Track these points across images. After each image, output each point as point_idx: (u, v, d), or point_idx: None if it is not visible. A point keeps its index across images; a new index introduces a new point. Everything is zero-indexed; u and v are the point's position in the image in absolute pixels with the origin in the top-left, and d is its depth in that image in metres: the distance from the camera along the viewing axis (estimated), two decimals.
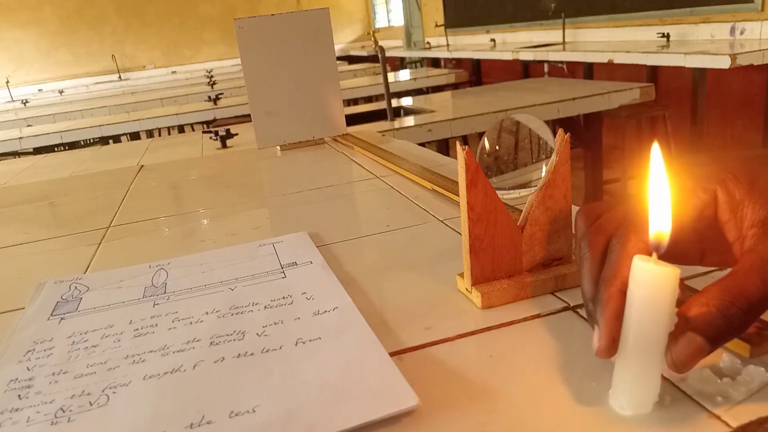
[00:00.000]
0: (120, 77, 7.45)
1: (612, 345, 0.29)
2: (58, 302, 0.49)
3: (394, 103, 2.15)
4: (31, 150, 2.52)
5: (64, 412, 0.33)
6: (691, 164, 0.32)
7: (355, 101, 3.10)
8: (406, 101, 2.34)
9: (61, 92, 5.72)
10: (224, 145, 1.41)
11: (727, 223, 0.31)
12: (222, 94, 3.25)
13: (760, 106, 2.77)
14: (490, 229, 0.40)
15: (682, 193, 0.30)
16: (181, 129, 2.99)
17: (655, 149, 0.28)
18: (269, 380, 0.34)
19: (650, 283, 0.27)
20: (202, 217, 0.75)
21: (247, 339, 0.39)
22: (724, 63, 2.21)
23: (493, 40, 4.96)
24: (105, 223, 0.76)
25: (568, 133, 0.40)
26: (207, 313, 0.44)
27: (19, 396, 0.35)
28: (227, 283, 0.49)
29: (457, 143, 0.41)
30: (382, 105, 2.09)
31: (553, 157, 0.41)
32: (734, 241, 0.31)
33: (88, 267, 0.60)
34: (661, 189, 0.28)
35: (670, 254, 0.28)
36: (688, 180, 0.31)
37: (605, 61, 2.94)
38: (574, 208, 0.47)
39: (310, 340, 0.38)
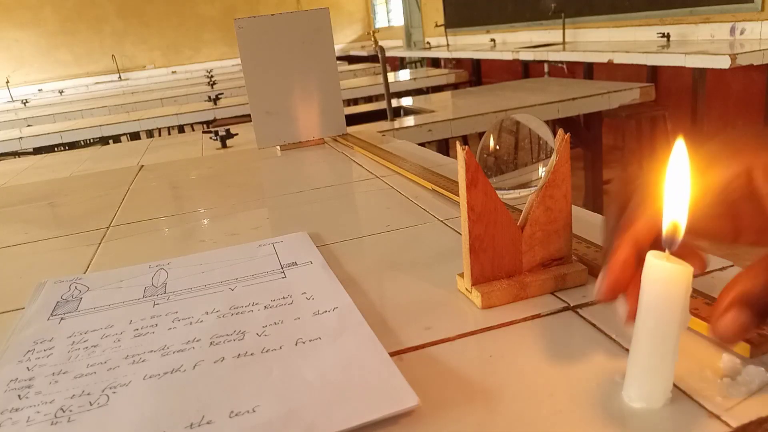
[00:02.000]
0: (120, 77, 7.45)
1: (611, 290, 0.28)
2: (58, 302, 0.49)
3: (394, 103, 2.14)
4: (31, 150, 2.52)
5: (64, 412, 0.33)
6: (717, 139, 0.30)
7: (355, 101, 3.09)
8: (406, 101, 2.34)
9: (61, 92, 5.72)
10: (224, 145, 1.41)
11: (766, 195, 0.28)
12: (222, 94, 3.25)
13: (760, 106, 2.77)
14: (490, 229, 0.40)
15: (706, 161, 0.28)
16: (181, 129, 2.99)
17: (679, 144, 0.27)
18: (269, 380, 0.34)
19: (663, 280, 0.27)
20: (202, 217, 0.75)
21: (247, 339, 0.39)
22: (724, 63, 2.21)
23: (493, 40, 4.96)
24: (105, 223, 0.76)
25: (568, 133, 0.40)
26: (207, 313, 0.44)
27: (19, 396, 0.35)
28: (227, 283, 0.49)
29: (457, 143, 0.41)
30: (382, 105, 2.09)
31: (553, 157, 0.41)
32: None
33: (88, 267, 0.60)
34: (679, 182, 0.28)
35: (700, 230, 0.27)
36: (713, 149, 0.29)
37: (605, 61, 2.93)
38: (575, 208, 0.47)
39: (310, 340, 0.38)
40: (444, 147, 2.49)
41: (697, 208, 0.27)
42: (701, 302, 0.36)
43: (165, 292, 0.49)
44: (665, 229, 0.28)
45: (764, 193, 0.28)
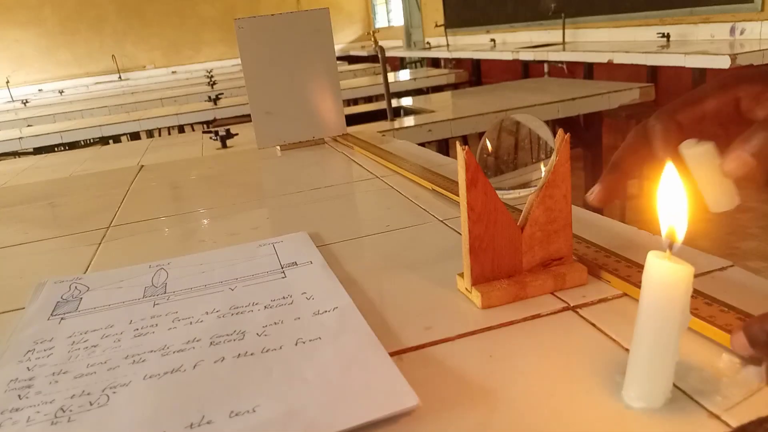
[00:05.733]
0: (120, 77, 7.45)
1: (604, 196, 0.35)
2: (58, 302, 0.49)
3: (394, 103, 2.14)
4: (31, 150, 2.52)
5: (64, 412, 0.33)
6: (709, 81, 0.35)
7: (355, 101, 3.09)
8: (406, 101, 2.34)
9: (61, 92, 5.72)
10: (224, 145, 1.41)
11: (753, 111, 0.33)
12: (222, 94, 3.25)
13: None
14: (490, 229, 0.40)
15: (698, 95, 0.34)
16: (181, 129, 2.99)
17: (669, 167, 0.29)
18: (269, 380, 0.34)
19: (663, 280, 0.27)
20: (202, 217, 0.75)
21: (247, 339, 0.39)
22: (724, 63, 2.21)
23: (493, 40, 4.96)
24: (105, 223, 0.76)
25: (568, 133, 0.40)
26: (207, 313, 0.44)
27: (19, 396, 0.35)
28: (227, 283, 0.49)
29: (457, 143, 0.41)
30: (382, 105, 2.09)
31: (553, 157, 0.41)
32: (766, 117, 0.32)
33: (88, 267, 0.60)
34: (674, 185, 0.28)
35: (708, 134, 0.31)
36: (705, 87, 0.34)
37: (605, 61, 2.94)
38: (575, 208, 0.47)
39: (310, 340, 0.38)
40: (444, 147, 2.48)
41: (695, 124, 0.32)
42: (701, 302, 0.36)
43: (165, 292, 0.49)
44: (665, 231, 0.28)
45: (750, 110, 0.33)
